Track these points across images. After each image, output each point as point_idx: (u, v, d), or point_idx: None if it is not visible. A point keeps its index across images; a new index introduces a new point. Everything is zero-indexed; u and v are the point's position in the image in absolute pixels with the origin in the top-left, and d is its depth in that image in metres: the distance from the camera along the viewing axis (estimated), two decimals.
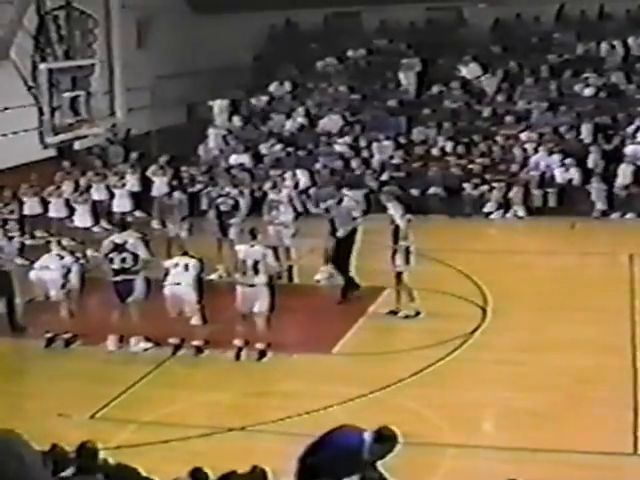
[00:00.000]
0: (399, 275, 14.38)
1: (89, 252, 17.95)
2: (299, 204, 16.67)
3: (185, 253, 13.56)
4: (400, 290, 14.46)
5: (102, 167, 22.76)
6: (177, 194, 17.75)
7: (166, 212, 17.87)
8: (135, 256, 13.26)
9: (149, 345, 13.30)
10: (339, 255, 15.30)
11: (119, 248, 13.31)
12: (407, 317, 14.32)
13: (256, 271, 12.78)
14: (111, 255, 13.32)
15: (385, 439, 7.24)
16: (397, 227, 14.24)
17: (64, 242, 19.33)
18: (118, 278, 13.28)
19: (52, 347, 13.58)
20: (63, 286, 13.64)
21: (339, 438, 7.27)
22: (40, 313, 13.91)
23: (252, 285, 12.78)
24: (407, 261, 14.25)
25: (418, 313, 14.32)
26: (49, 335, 13.60)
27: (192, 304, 13.12)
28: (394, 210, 14.55)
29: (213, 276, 14.87)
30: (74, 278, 13.71)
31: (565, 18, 26.57)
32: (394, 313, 14.42)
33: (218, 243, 15.97)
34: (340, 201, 16.07)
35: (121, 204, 20.93)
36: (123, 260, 13.23)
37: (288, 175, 21.56)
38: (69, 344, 13.62)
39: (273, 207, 16.61)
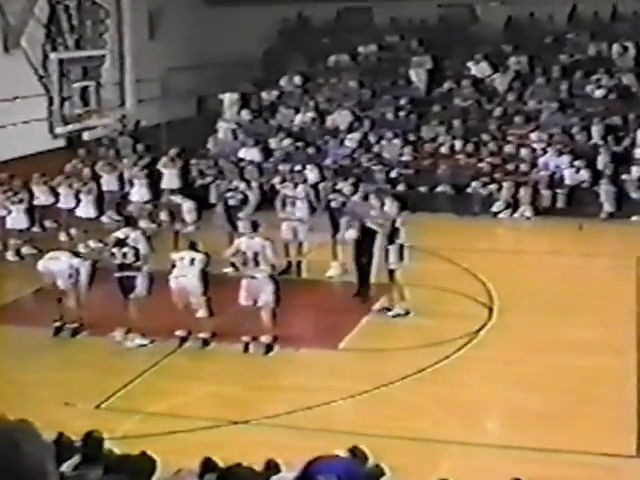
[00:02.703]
0: (392, 273, 14.36)
1: (92, 243, 18.05)
2: (314, 199, 16.63)
3: (193, 246, 13.53)
4: (393, 288, 14.42)
5: (114, 158, 22.62)
6: (186, 205, 17.43)
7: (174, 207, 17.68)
8: (137, 251, 13.27)
9: (145, 341, 13.28)
10: (359, 255, 15.15)
11: (120, 243, 13.35)
12: (397, 316, 14.29)
13: (256, 263, 12.84)
14: (113, 250, 13.37)
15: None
16: (392, 224, 14.24)
17: (72, 232, 19.54)
18: (119, 274, 13.31)
19: (59, 336, 13.65)
20: (70, 276, 13.64)
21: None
22: (48, 302, 13.94)
23: (254, 277, 12.83)
24: (401, 258, 14.25)
25: (408, 312, 14.28)
26: (57, 324, 13.67)
27: (198, 296, 13.13)
28: (389, 207, 14.55)
29: (228, 269, 14.82)
30: (83, 278, 13.65)
31: (578, 18, 26.51)
32: (388, 310, 14.42)
33: (229, 237, 15.95)
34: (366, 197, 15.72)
35: (138, 194, 20.80)
36: (124, 255, 13.25)
37: (307, 170, 21.46)
38: (76, 334, 13.68)
39: (288, 203, 16.57)
